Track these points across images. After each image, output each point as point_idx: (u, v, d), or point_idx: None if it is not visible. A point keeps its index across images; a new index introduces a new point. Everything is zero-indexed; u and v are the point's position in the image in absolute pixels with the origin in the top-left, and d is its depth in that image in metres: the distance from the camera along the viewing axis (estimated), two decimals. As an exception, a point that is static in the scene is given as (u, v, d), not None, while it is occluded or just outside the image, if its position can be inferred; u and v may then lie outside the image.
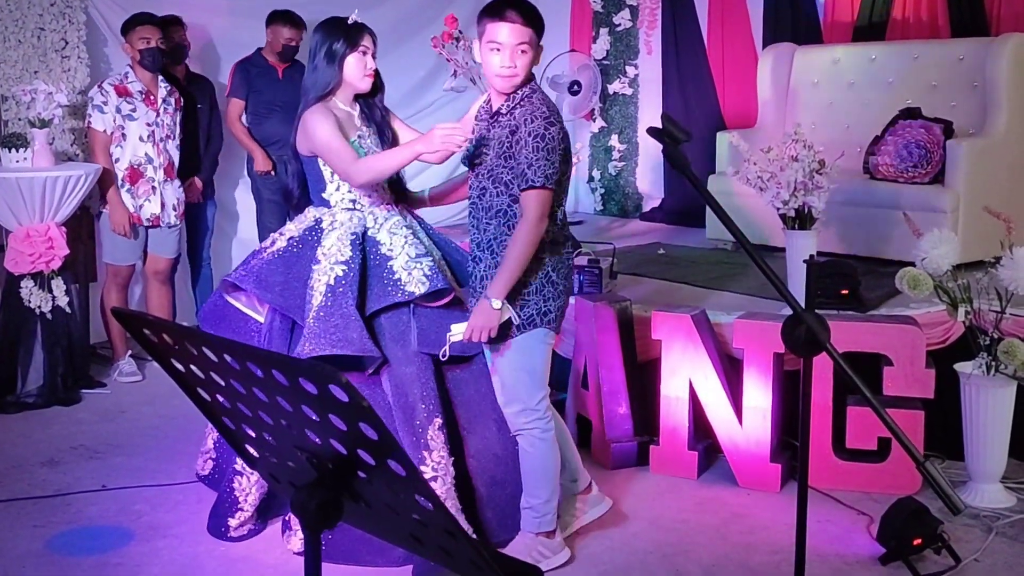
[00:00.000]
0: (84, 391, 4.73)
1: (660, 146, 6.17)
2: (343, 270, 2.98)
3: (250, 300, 3.21)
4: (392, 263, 3.04)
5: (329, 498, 1.17)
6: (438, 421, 3.01)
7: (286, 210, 5.50)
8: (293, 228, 3.17)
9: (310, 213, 3.16)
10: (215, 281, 5.58)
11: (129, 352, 5.07)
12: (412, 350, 3.03)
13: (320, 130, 2.99)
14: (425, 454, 2.97)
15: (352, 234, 3.04)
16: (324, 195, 3.12)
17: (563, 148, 2.82)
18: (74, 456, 4.00)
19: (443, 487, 2.98)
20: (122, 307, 1.19)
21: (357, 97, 3.16)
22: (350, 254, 3.00)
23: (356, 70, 3.08)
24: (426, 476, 2.96)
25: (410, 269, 3.03)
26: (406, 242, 3.09)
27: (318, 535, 1.21)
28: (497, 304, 2.79)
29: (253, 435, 1.26)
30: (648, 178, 6.92)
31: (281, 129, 5.46)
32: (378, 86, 3.19)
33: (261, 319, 3.19)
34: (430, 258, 3.10)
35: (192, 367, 1.21)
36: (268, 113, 5.51)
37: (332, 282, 2.96)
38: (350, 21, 3.10)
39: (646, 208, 6.91)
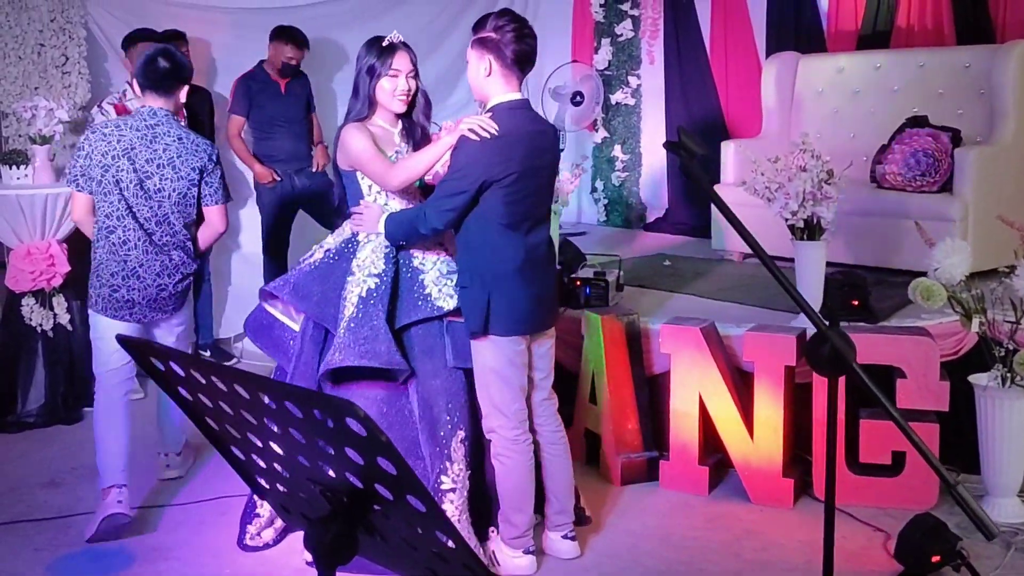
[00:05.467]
0: (86, 409, 4.66)
1: (663, 156, 6.16)
2: (375, 282, 3.04)
3: (286, 308, 3.28)
4: (423, 277, 3.12)
5: (343, 532, 1.12)
6: (461, 433, 3.06)
7: (291, 220, 5.56)
8: (331, 241, 3.25)
9: (347, 226, 3.23)
10: (215, 297, 5.54)
11: (131, 369, 5.01)
12: (441, 363, 3.09)
13: (355, 143, 3.07)
14: (447, 464, 3.01)
15: (386, 247, 3.10)
16: (360, 203, 3.17)
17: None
18: (75, 477, 3.94)
19: (460, 499, 3.02)
20: (128, 336, 1.14)
21: (402, 116, 3.20)
22: (383, 267, 3.07)
23: (386, 92, 3.12)
24: (446, 487, 3.01)
25: (440, 284, 3.10)
26: (438, 258, 3.17)
27: (332, 570, 1.16)
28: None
29: (264, 466, 1.21)
30: (652, 188, 6.87)
31: (286, 144, 5.46)
32: (414, 105, 3.20)
33: (296, 327, 3.24)
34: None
35: (200, 396, 1.16)
36: (271, 128, 5.48)
37: (364, 294, 3.03)
38: (385, 42, 3.12)
39: (650, 218, 6.86)
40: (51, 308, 4.55)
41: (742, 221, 1.76)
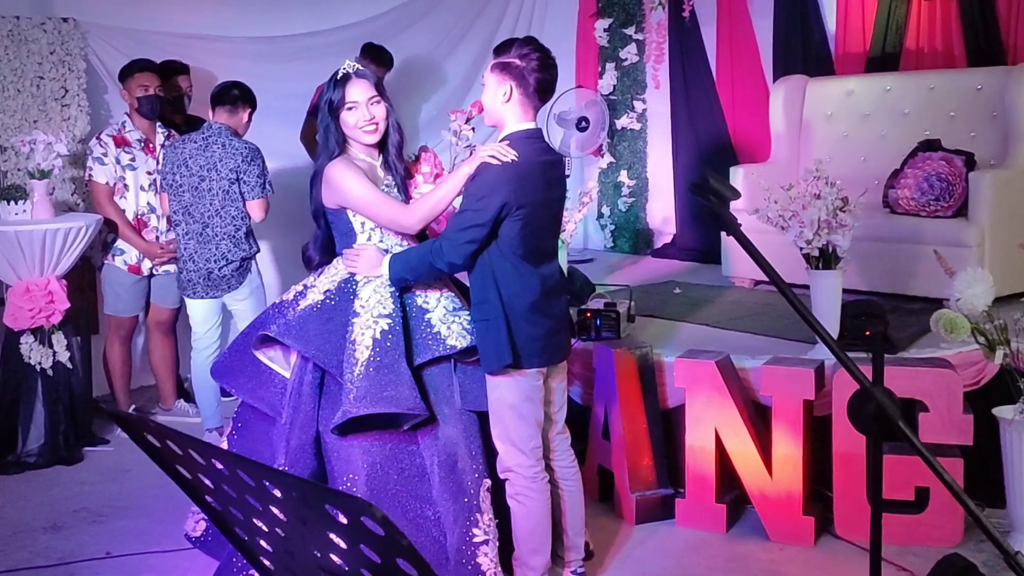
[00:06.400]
0: (87, 448, 4.58)
1: (670, 181, 6.07)
2: (388, 323, 2.88)
3: (277, 355, 3.07)
4: (430, 316, 2.98)
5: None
6: (487, 482, 2.95)
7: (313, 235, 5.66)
8: (326, 281, 3.03)
9: (340, 265, 3.04)
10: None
11: (133, 407, 4.94)
12: (457, 408, 2.96)
13: (351, 184, 2.92)
14: (478, 516, 2.90)
15: (390, 286, 2.94)
16: (355, 246, 3.02)
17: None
18: (77, 520, 3.85)
19: (493, 551, 2.91)
20: (122, 411, 1.07)
21: (381, 147, 3.07)
22: (392, 307, 2.91)
23: (350, 126, 2.98)
24: (479, 539, 2.89)
25: (448, 323, 2.97)
26: (441, 294, 3.02)
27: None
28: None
29: (269, 549, 1.12)
30: (659, 214, 6.79)
31: None
32: (388, 133, 3.05)
33: (287, 374, 3.04)
34: (467, 311, 3.01)
35: (201, 476, 1.08)
36: None
37: (378, 336, 2.86)
38: (339, 74, 2.98)
39: (657, 244, 6.78)
40: (50, 346, 4.46)
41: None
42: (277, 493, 0.94)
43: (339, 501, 0.87)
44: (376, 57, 5.70)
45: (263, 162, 4.45)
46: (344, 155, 3.00)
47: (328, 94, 2.98)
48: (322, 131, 3.00)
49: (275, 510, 0.98)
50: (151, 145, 4.81)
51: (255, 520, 1.05)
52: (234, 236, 4.41)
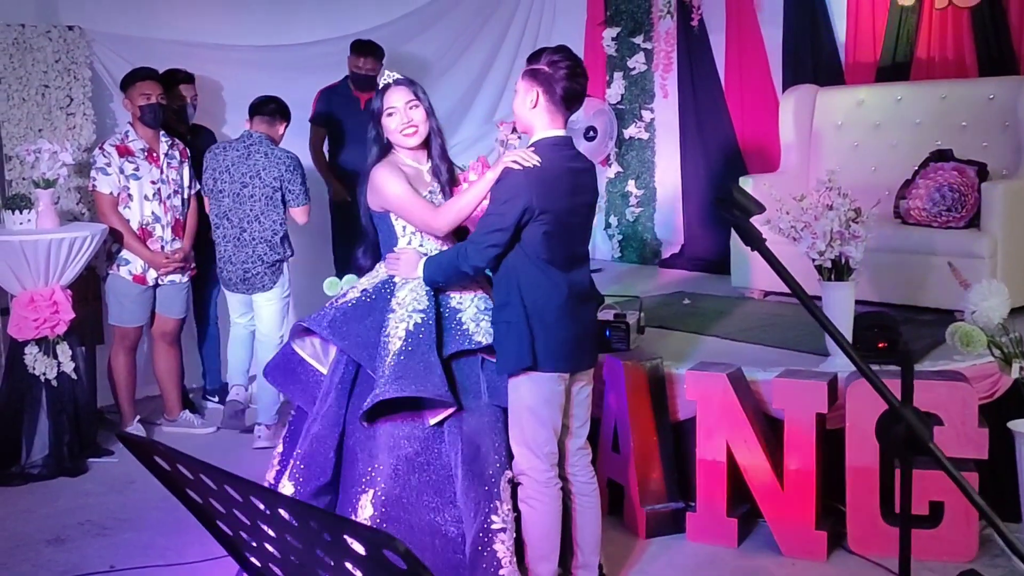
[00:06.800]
0: (91, 460, 4.54)
1: (678, 190, 6.03)
2: (421, 317, 2.97)
3: (315, 351, 3.18)
4: (461, 315, 3.05)
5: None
6: (508, 474, 2.96)
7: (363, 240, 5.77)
8: (366, 282, 3.17)
9: (382, 268, 3.15)
10: (222, 341, 5.41)
11: (137, 417, 4.90)
12: (484, 401, 3.00)
13: (390, 186, 3.03)
14: (497, 504, 2.90)
15: (425, 287, 3.03)
16: (396, 249, 3.11)
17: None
18: (81, 532, 3.81)
19: (510, 540, 2.90)
20: (131, 433, 1.04)
21: (428, 153, 3.16)
22: (427, 303, 3.00)
23: (391, 131, 3.09)
24: (496, 527, 2.89)
25: (478, 321, 3.03)
26: (475, 295, 3.09)
27: None
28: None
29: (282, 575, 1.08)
30: (667, 224, 6.75)
31: (358, 159, 5.58)
32: (430, 137, 3.14)
33: (324, 370, 3.13)
34: None
35: (212, 500, 1.04)
36: (346, 142, 5.64)
37: (412, 328, 2.95)
38: (381, 85, 3.10)
39: (665, 255, 6.74)
40: (55, 356, 4.42)
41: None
42: (292, 521, 0.90)
43: (359, 532, 0.83)
44: (365, 51, 5.63)
45: (304, 170, 4.75)
46: (388, 159, 3.10)
47: (374, 102, 3.11)
48: (369, 139, 3.14)
49: (290, 538, 0.94)
50: (155, 154, 4.78)
51: (268, 546, 1.02)
52: (270, 240, 4.71)
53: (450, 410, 2.94)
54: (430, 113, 3.11)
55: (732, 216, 1.56)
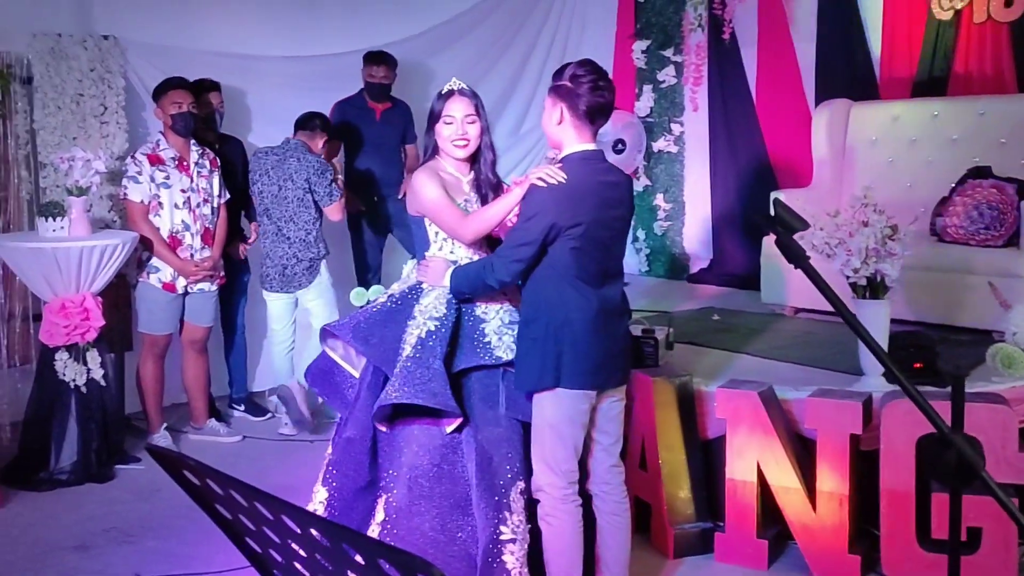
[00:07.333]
0: (118, 466, 4.55)
1: (708, 205, 5.97)
2: (435, 325, 2.98)
3: (346, 352, 3.22)
4: (485, 326, 3.04)
5: None
6: (521, 485, 2.93)
7: (381, 244, 5.88)
8: (396, 287, 3.21)
9: (413, 274, 3.18)
10: (249, 350, 5.43)
11: (164, 425, 4.91)
12: (501, 412, 2.98)
13: (426, 190, 3.04)
14: (506, 514, 2.88)
15: (449, 295, 3.04)
16: (427, 255, 3.13)
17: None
18: (106, 540, 3.81)
19: (520, 551, 2.88)
20: (161, 446, 1.02)
21: (473, 164, 3.17)
22: (444, 311, 3.01)
23: (443, 138, 3.10)
24: (505, 537, 2.87)
25: (501, 334, 3.02)
26: (501, 307, 3.08)
27: None
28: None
29: (312, 597, 1.05)
30: (696, 238, 6.70)
31: (374, 169, 5.82)
32: (479, 152, 3.13)
33: (356, 373, 3.17)
34: None
35: (241, 517, 1.02)
36: (363, 154, 5.74)
37: (423, 335, 2.96)
38: (444, 89, 3.11)
39: (694, 269, 6.69)
40: (84, 363, 4.44)
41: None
42: (324, 542, 0.87)
43: (394, 557, 0.80)
44: (378, 60, 5.69)
45: (332, 173, 5.07)
46: (429, 163, 3.11)
47: (433, 103, 3.12)
48: (422, 140, 3.19)
49: (321, 559, 0.92)
50: (185, 163, 4.80)
51: (297, 565, 0.99)
52: (305, 239, 5.01)
53: (460, 418, 2.94)
54: (485, 131, 3.12)
55: (775, 232, 1.52)
